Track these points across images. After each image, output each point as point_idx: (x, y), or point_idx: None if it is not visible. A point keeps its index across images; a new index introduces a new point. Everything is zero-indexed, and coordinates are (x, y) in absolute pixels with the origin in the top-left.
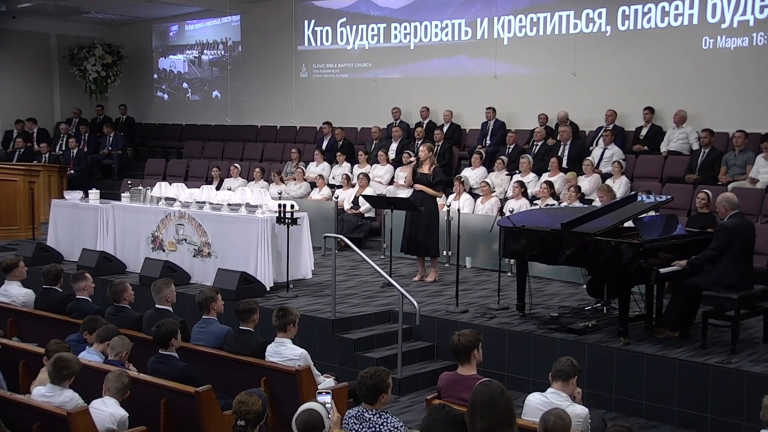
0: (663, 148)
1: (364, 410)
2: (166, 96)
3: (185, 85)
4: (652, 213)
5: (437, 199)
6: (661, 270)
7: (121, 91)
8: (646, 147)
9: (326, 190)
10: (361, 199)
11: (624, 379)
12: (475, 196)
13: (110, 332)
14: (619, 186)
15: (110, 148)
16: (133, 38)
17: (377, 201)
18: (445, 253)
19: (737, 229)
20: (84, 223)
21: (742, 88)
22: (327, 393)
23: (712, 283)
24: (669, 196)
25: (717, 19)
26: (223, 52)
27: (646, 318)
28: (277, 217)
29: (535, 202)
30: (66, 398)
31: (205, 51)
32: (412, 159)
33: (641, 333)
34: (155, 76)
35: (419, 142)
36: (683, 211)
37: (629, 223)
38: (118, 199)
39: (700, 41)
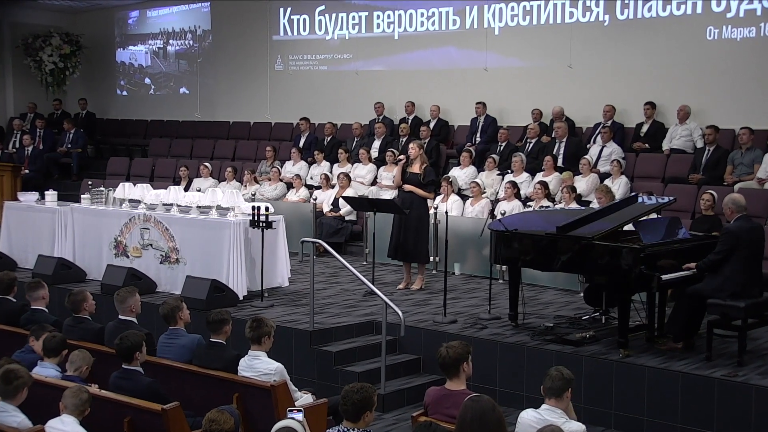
0: (665, 146)
1: (346, 429)
2: (125, 93)
3: (147, 80)
4: (653, 215)
5: (428, 201)
6: (664, 276)
7: (81, 84)
8: (647, 145)
9: (304, 191)
10: (341, 200)
11: (624, 394)
12: (465, 198)
13: (57, 343)
14: (619, 186)
15: (69, 146)
16: (94, 27)
17: (359, 203)
18: (432, 259)
19: (743, 233)
20: (40, 227)
21: (749, 81)
22: (299, 411)
23: (716, 290)
24: (672, 198)
25: (722, 7)
26: (191, 42)
27: (647, 328)
28: (250, 221)
29: (528, 203)
30: (17, 420)
31: (170, 41)
32: (402, 157)
33: (642, 344)
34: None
35: (404, 140)
36: (687, 214)
37: (629, 227)
38: (78, 201)
39: (704, 31)
